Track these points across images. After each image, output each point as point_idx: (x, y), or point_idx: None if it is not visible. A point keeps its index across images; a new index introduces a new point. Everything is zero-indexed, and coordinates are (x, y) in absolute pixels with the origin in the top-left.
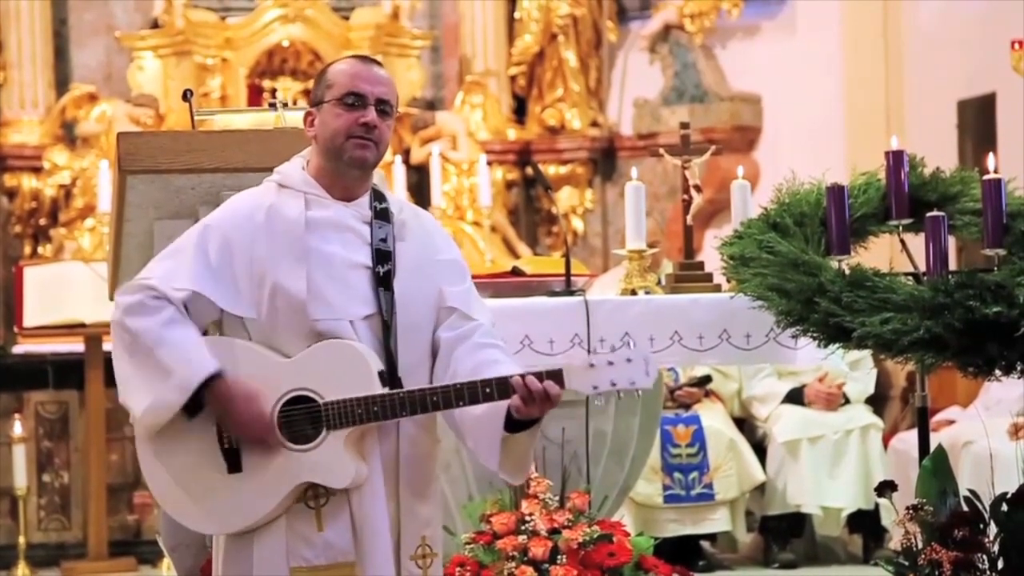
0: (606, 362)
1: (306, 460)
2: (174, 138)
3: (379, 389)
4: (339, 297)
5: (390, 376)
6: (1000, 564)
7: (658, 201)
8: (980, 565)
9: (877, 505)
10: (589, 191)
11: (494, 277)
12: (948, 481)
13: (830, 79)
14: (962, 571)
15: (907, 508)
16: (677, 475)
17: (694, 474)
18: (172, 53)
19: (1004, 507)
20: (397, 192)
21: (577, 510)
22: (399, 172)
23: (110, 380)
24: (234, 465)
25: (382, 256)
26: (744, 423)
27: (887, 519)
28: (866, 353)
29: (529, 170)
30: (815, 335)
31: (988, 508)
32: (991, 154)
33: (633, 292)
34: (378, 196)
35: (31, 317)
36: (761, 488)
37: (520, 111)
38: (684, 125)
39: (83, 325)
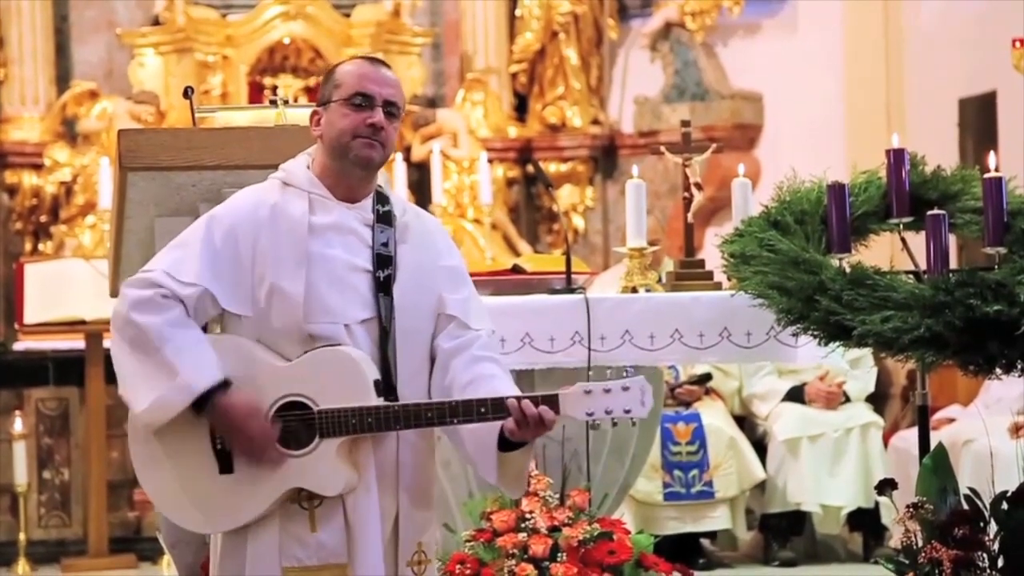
0: (603, 390)
1: (297, 465)
2: (175, 135)
3: (374, 399)
4: (337, 301)
5: (386, 384)
6: (1000, 562)
7: (659, 199)
8: (980, 563)
9: (877, 503)
10: (590, 189)
11: (495, 275)
12: (948, 479)
13: (831, 77)
14: (962, 569)
15: (907, 506)
16: (677, 473)
17: (694, 472)
18: (173, 50)
19: (1004, 505)
20: (398, 190)
21: (577, 508)
22: (400, 169)
23: (111, 377)
24: (225, 466)
25: (383, 261)
26: (744, 421)
27: (887, 517)
28: (866, 351)
29: (530, 168)
30: (816, 333)
31: (988, 506)
32: (992, 152)
33: (634, 290)
34: (381, 199)
35: (32, 314)
36: (761, 486)
37: (521, 109)
38: (685, 123)
39: (84, 322)
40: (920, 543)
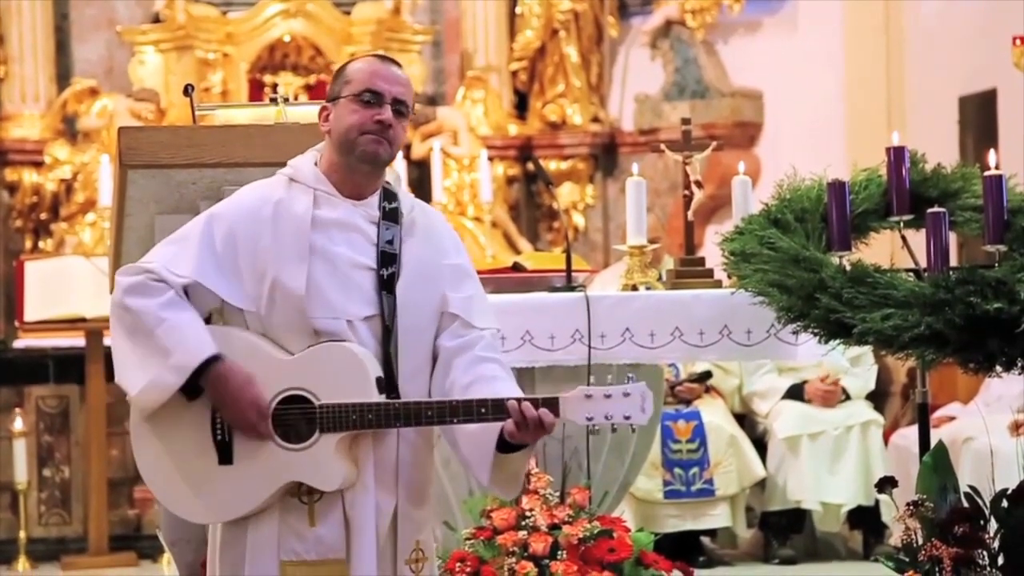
0: (603, 395)
1: (296, 459)
2: (175, 133)
3: (376, 395)
4: (339, 297)
5: (388, 381)
6: (1000, 560)
7: (659, 197)
8: (980, 561)
9: (877, 501)
10: (590, 187)
11: (495, 273)
12: (948, 477)
13: (831, 75)
14: (962, 567)
15: (907, 504)
16: (677, 471)
17: (694, 470)
18: (173, 48)
19: (1004, 503)
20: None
21: (577, 506)
22: (400, 167)
23: (111, 375)
24: (225, 457)
25: (387, 258)
26: (745, 419)
27: (887, 515)
28: (867, 349)
29: (530, 165)
30: (816, 331)
31: (988, 504)
32: (992, 150)
33: (634, 288)
34: (388, 196)
35: (32, 311)
36: (761, 484)
37: (521, 106)
38: (685, 121)
39: (84, 320)
40: (920, 541)
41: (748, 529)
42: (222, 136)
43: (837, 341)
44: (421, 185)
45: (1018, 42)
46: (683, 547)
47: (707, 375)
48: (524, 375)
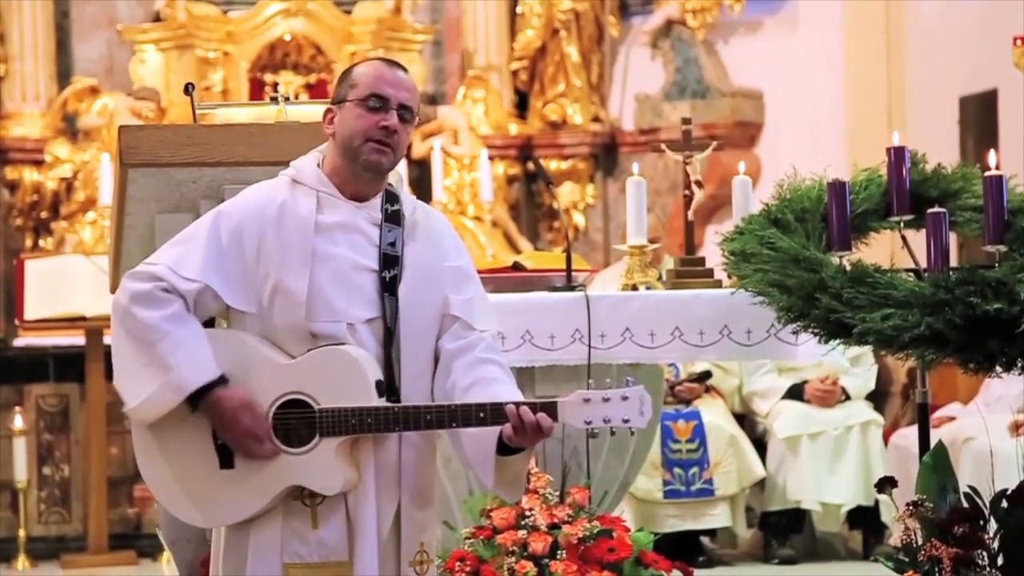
0: (602, 398)
1: (297, 463)
2: (175, 132)
3: (375, 399)
4: (341, 300)
5: (388, 385)
6: (1000, 560)
7: (659, 197)
8: (980, 561)
9: (877, 501)
10: (590, 186)
11: (495, 272)
12: (948, 477)
13: (832, 75)
14: (962, 567)
15: (907, 504)
16: (677, 470)
17: (694, 469)
18: (174, 47)
19: (1004, 504)
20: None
21: (577, 505)
22: (402, 168)
23: (111, 373)
24: (226, 461)
25: (389, 261)
26: (744, 419)
27: (887, 515)
28: (867, 349)
29: (530, 165)
30: (816, 331)
31: (988, 504)
32: (992, 150)
33: (634, 287)
34: (391, 198)
35: (32, 310)
36: (761, 484)
37: (522, 106)
38: (686, 121)
39: (84, 318)
40: (920, 541)
41: (748, 529)
42: (222, 135)
43: (837, 341)
44: (421, 184)
45: (1018, 42)
46: (683, 547)
47: (707, 375)
48: (524, 375)
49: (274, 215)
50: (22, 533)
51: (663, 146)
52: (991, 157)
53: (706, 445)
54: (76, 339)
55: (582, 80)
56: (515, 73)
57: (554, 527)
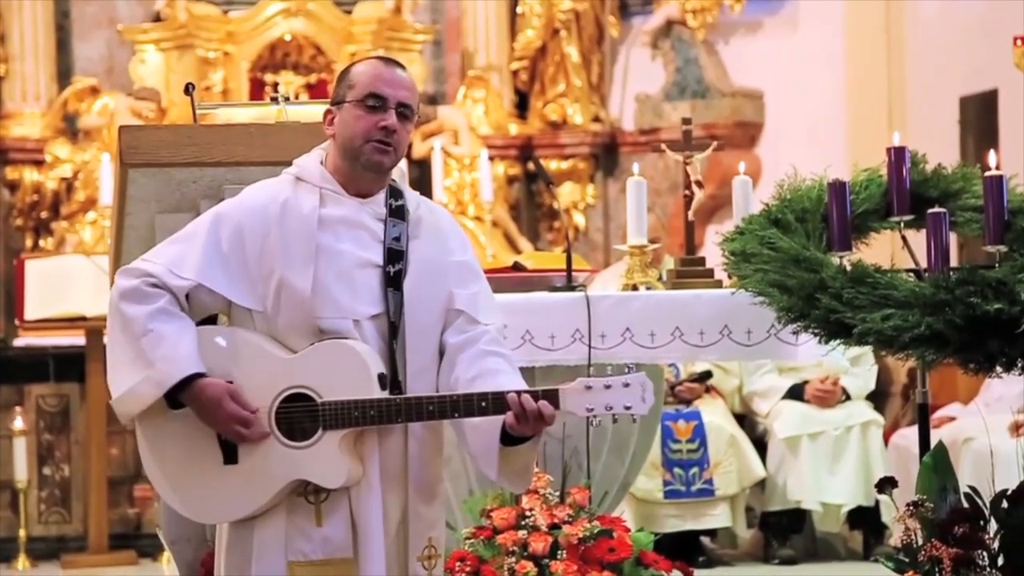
0: (603, 385)
1: (300, 457)
2: (176, 132)
3: (377, 392)
4: (346, 296)
5: (393, 379)
6: (1000, 561)
7: (659, 197)
8: (980, 562)
9: (877, 501)
10: (591, 186)
11: (495, 272)
12: (948, 478)
13: (832, 75)
14: (962, 568)
15: (907, 504)
16: (677, 471)
17: (694, 470)
18: (174, 47)
19: (1004, 504)
20: None
21: (577, 505)
22: (402, 164)
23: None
24: (230, 456)
25: (394, 255)
26: (745, 419)
27: (887, 515)
28: (867, 349)
29: (531, 165)
30: (816, 331)
31: (988, 505)
32: (993, 151)
33: (634, 288)
34: (395, 193)
35: (32, 310)
36: (761, 484)
37: (522, 106)
38: (686, 121)
39: (84, 318)
40: (920, 541)
41: (748, 529)
42: (223, 135)
43: (837, 341)
44: (422, 184)
45: (1019, 42)
46: (683, 547)
47: (707, 375)
48: (524, 375)
49: (277, 213)
50: (22, 533)
51: (663, 146)
52: (991, 157)
53: (706, 445)
54: (76, 339)
55: (582, 80)
56: (515, 73)
57: (554, 527)
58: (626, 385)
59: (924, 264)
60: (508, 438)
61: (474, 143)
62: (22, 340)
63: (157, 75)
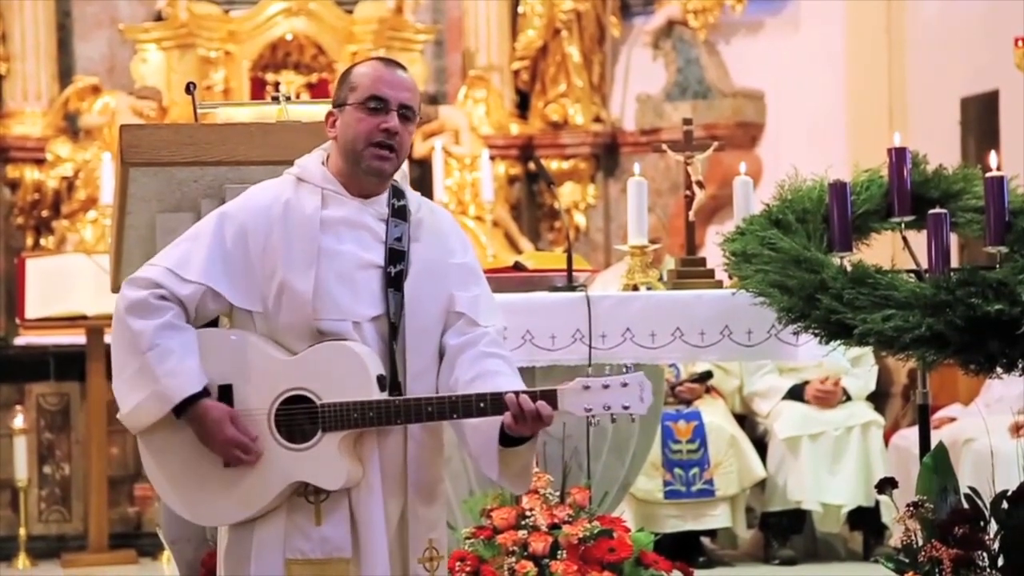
0: (601, 385)
1: (300, 459)
2: (177, 131)
3: (376, 393)
4: (346, 298)
5: (393, 381)
6: (1000, 562)
7: (660, 197)
8: (980, 563)
9: (877, 502)
10: (591, 186)
11: (496, 272)
12: (949, 478)
13: (833, 76)
14: (962, 568)
15: (907, 505)
16: (678, 471)
17: (695, 470)
18: (175, 46)
19: (1004, 505)
20: None
21: (577, 505)
22: (403, 167)
23: (111, 373)
24: None
25: (395, 256)
26: (745, 419)
27: (887, 516)
28: (867, 350)
29: (532, 165)
30: (816, 332)
31: (988, 506)
32: (994, 151)
33: (635, 288)
34: (397, 193)
35: (33, 309)
36: (762, 484)
37: (523, 106)
38: (687, 121)
39: (85, 317)
40: (920, 542)
41: (748, 529)
42: (223, 134)
43: (838, 342)
44: (423, 184)
45: (1019, 43)
46: (683, 547)
47: (708, 375)
48: (525, 375)
49: (279, 213)
50: (22, 532)
51: (664, 146)
52: (992, 158)
53: (707, 446)
54: (77, 338)
55: (583, 80)
56: (516, 73)
57: (554, 527)
58: (624, 385)
59: (925, 265)
60: (507, 439)
61: (475, 143)
62: (23, 339)
63: (158, 74)
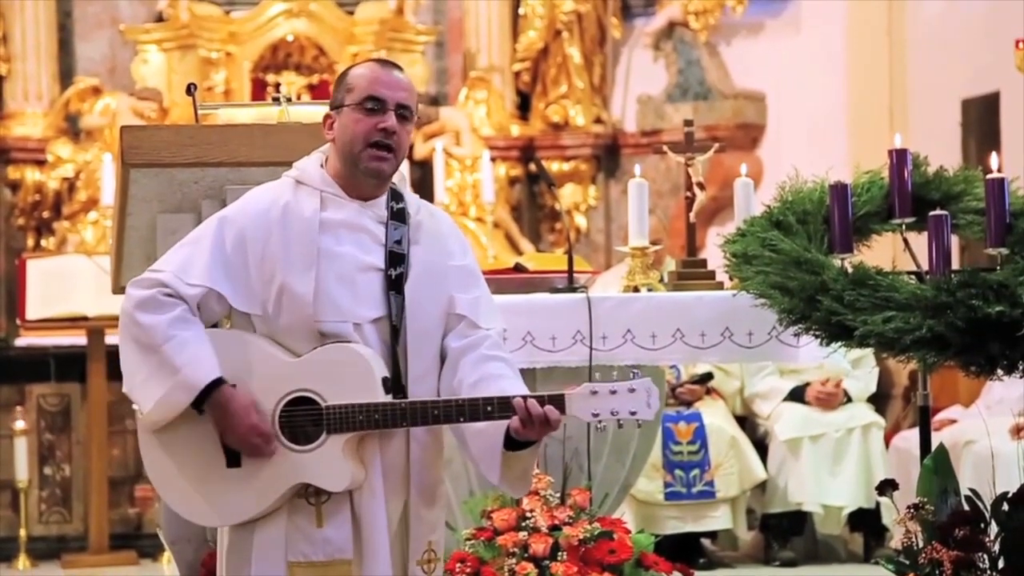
0: (609, 391)
1: (304, 461)
2: (177, 132)
3: (382, 395)
4: (347, 300)
5: (395, 383)
6: (1001, 563)
7: (661, 198)
8: (981, 564)
9: (878, 504)
10: (592, 188)
11: (497, 273)
12: (949, 480)
13: (834, 77)
14: (963, 570)
15: (908, 507)
16: (678, 472)
17: (695, 471)
18: (176, 47)
19: (1005, 506)
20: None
21: (578, 507)
22: (403, 166)
23: (112, 373)
24: (233, 460)
25: (395, 259)
26: (746, 421)
27: (888, 518)
28: (868, 352)
29: (532, 166)
30: (817, 333)
31: (989, 507)
32: (994, 153)
33: (636, 289)
34: (396, 196)
35: (33, 310)
36: (762, 486)
37: (524, 107)
38: (688, 122)
39: (85, 318)
40: (921, 544)
41: (748, 531)
42: (224, 135)
43: (838, 343)
44: (423, 185)
45: (1020, 45)
46: (683, 549)
47: (708, 377)
48: (525, 376)
49: (278, 216)
50: (23, 533)
51: (665, 148)
52: (993, 160)
53: (707, 447)
54: (77, 339)
55: (584, 81)
56: (517, 74)
57: (555, 528)
58: (631, 391)
59: (925, 266)
60: (510, 443)
61: (476, 144)
62: (23, 340)
63: (159, 75)
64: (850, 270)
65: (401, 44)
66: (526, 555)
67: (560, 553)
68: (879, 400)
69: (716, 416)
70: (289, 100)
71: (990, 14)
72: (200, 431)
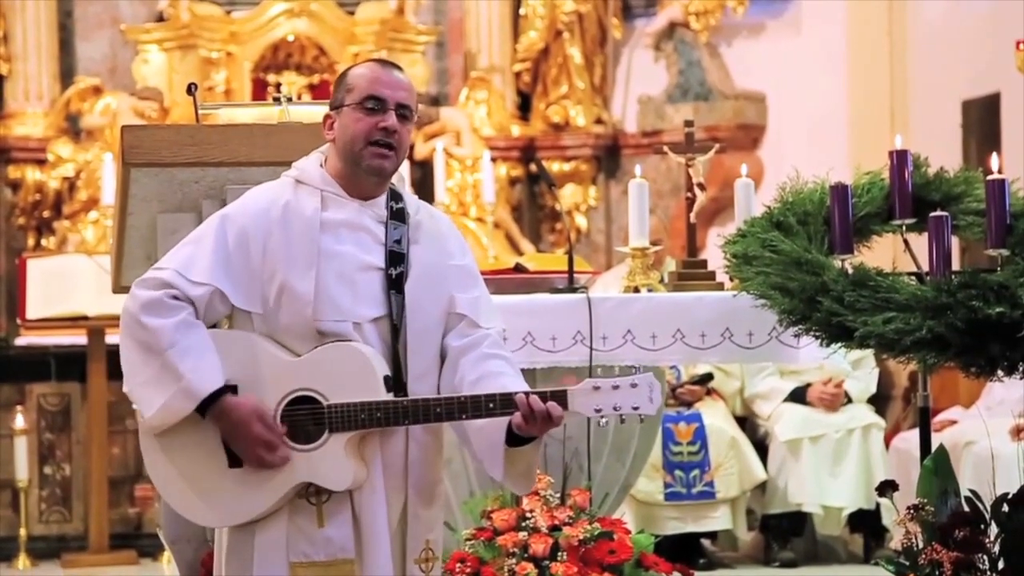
0: (611, 386)
1: (306, 460)
2: (178, 132)
3: (384, 394)
4: (347, 299)
5: (396, 382)
6: (1001, 564)
7: (661, 199)
8: (981, 565)
9: (878, 505)
10: (593, 188)
11: (497, 274)
12: (949, 481)
13: (835, 78)
14: (963, 571)
15: (908, 508)
16: (678, 473)
17: (695, 472)
18: (177, 47)
19: (1005, 507)
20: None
21: (578, 507)
22: (404, 168)
23: (112, 373)
24: (235, 460)
25: (395, 258)
26: (746, 421)
27: (888, 519)
28: (868, 352)
29: (533, 167)
30: (817, 334)
31: (989, 508)
32: (995, 154)
33: (636, 290)
34: (395, 196)
35: (34, 309)
36: (762, 487)
37: (524, 107)
38: (688, 123)
39: (86, 318)
40: (921, 545)
41: (748, 532)
42: (225, 135)
43: (839, 344)
44: (424, 185)
45: (1021, 46)
46: (683, 549)
47: (708, 377)
48: (526, 376)
49: (279, 216)
50: (23, 532)
51: (666, 148)
52: (993, 161)
53: (707, 447)
54: (78, 338)
55: (585, 82)
56: (518, 75)
57: (555, 529)
58: (634, 386)
59: (926, 267)
60: (512, 439)
61: (476, 144)
62: (23, 339)
63: (160, 75)
64: (850, 271)
65: (402, 44)
66: (526, 555)
67: (560, 553)
68: (879, 401)
69: (716, 417)
70: (290, 100)
71: (991, 15)
72: (202, 432)
